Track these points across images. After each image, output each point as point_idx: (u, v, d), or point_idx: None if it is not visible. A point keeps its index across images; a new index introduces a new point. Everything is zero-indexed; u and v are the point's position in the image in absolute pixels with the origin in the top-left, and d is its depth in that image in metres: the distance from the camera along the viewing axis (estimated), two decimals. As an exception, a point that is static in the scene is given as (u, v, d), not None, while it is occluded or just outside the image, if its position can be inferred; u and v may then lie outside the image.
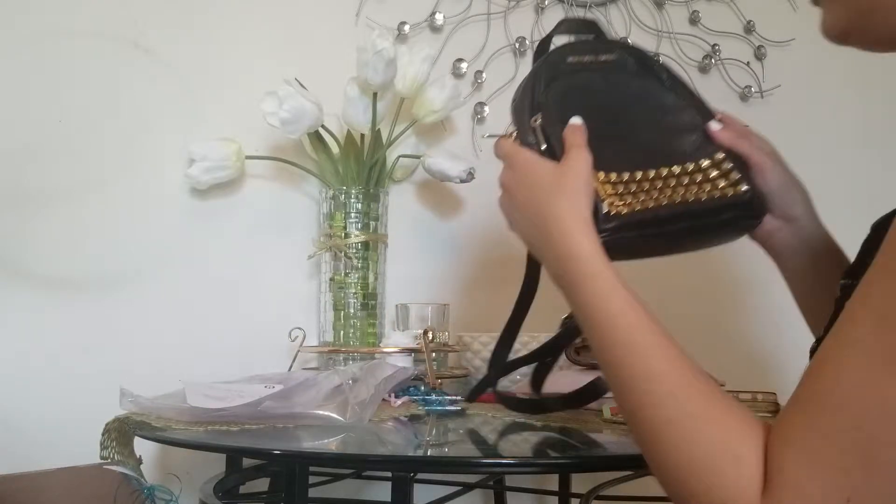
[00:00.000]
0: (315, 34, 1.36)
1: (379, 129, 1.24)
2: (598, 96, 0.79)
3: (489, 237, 1.40)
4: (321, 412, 0.87)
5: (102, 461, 0.88)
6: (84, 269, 1.26)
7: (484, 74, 1.42)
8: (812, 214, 0.82)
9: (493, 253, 1.39)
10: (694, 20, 1.50)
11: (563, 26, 0.86)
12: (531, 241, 0.72)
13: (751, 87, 1.52)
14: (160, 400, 0.89)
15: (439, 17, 1.40)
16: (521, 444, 0.85)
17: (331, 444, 0.83)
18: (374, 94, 1.22)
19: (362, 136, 1.25)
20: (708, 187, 0.73)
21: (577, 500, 1.25)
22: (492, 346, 1.15)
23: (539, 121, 0.75)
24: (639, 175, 0.73)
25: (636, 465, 0.87)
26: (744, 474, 0.51)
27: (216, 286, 1.29)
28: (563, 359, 1.11)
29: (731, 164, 0.75)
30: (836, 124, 1.57)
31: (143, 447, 0.91)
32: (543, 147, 0.74)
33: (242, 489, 1.14)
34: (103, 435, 0.88)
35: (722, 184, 0.73)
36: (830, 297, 0.67)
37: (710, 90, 1.51)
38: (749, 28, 1.53)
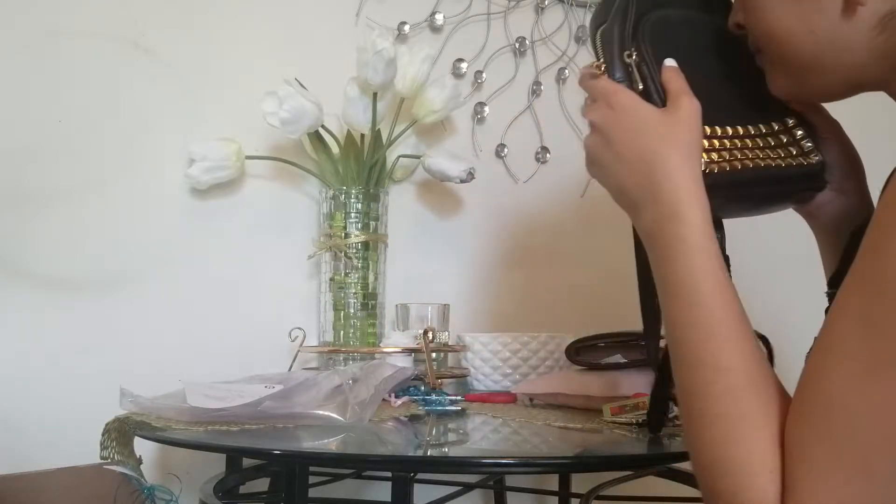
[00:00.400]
0: (315, 34, 1.36)
1: (379, 129, 1.24)
2: (688, 36, 0.72)
3: (489, 237, 1.40)
4: (321, 412, 0.87)
5: (102, 461, 0.88)
6: (84, 269, 1.26)
7: (484, 74, 1.42)
8: (863, 190, 0.79)
9: (493, 253, 1.39)
10: (694, 20, 1.50)
11: None
12: (627, 191, 0.65)
13: (751, 87, 1.52)
14: (160, 400, 0.89)
15: (439, 17, 1.40)
16: (521, 445, 0.85)
17: (331, 444, 0.83)
18: (374, 94, 1.22)
19: (362, 136, 1.25)
20: (787, 152, 0.71)
21: (577, 500, 1.24)
22: (492, 346, 1.15)
23: (634, 57, 0.68)
24: (730, 131, 0.69)
25: (636, 465, 0.87)
26: (772, 489, 0.52)
27: (216, 286, 1.29)
28: (564, 359, 1.12)
29: (804, 131, 0.73)
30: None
31: (143, 447, 0.91)
32: (640, 87, 0.67)
33: (242, 489, 1.14)
34: (103, 435, 0.88)
35: (795, 150, 0.71)
36: None
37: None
38: (749, 28, 1.52)
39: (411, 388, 1.05)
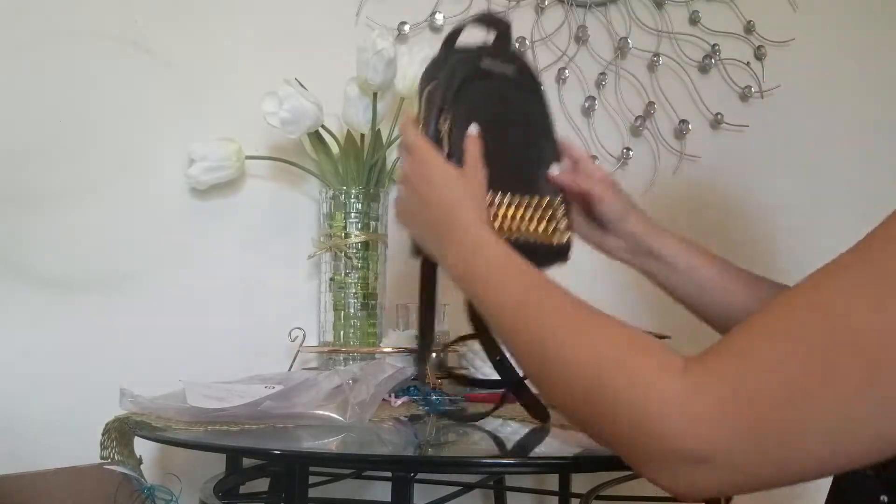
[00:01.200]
0: (315, 34, 1.36)
1: (379, 129, 1.24)
2: (495, 109, 0.81)
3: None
4: (321, 412, 0.87)
5: (103, 461, 0.88)
6: (84, 269, 1.26)
7: (484, 74, 1.41)
8: (648, 225, 0.88)
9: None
10: (694, 20, 1.50)
11: (481, 19, 0.88)
12: (430, 234, 0.74)
13: (751, 87, 1.52)
14: (160, 400, 0.89)
15: (439, 17, 1.40)
16: (521, 444, 0.85)
17: (331, 444, 0.83)
18: (375, 94, 1.22)
19: (362, 136, 1.25)
20: (543, 227, 0.80)
21: (577, 500, 1.24)
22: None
23: (447, 124, 0.77)
24: (502, 198, 0.78)
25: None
26: (656, 360, 0.50)
27: (216, 286, 1.29)
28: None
29: (563, 211, 0.82)
30: (836, 124, 1.57)
31: (143, 447, 0.91)
32: (446, 151, 0.76)
33: (242, 489, 1.14)
34: (103, 435, 0.88)
35: (551, 228, 0.81)
36: (699, 287, 0.83)
37: (710, 90, 1.52)
38: (749, 28, 1.53)
39: (411, 388, 1.05)
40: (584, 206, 0.88)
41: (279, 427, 0.85)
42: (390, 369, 0.98)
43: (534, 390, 0.70)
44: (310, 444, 0.83)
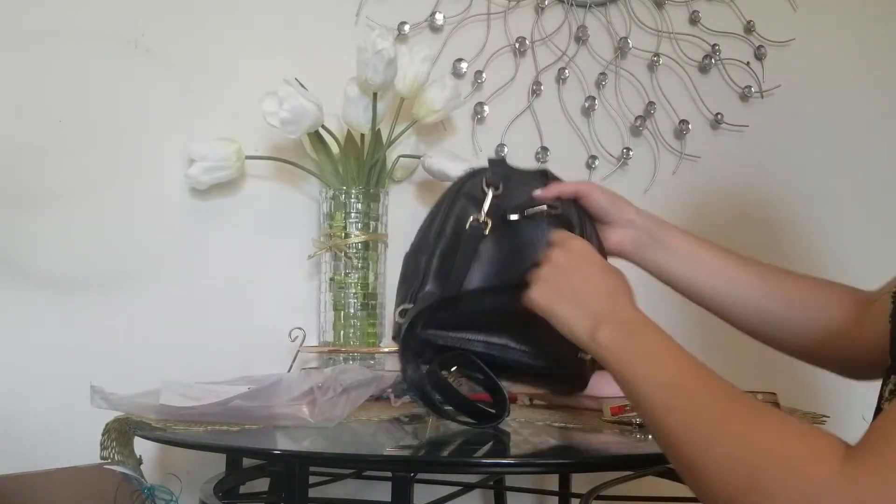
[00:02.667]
0: (315, 34, 1.36)
1: (379, 129, 1.24)
2: None
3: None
4: (289, 412, 0.87)
5: (102, 461, 0.88)
6: (84, 269, 1.26)
7: (484, 74, 1.42)
8: (644, 214, 0.90)
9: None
10: (694, 20, 1.50)
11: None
12: (580, 312, 0.72)
13: (751, 87, 1.52)
14: (136, 398, 0.88)
15: (439, 17, 1.40)
16: (521, 445, 0.85)
17: (331, 445, 0.83)
18: (374, 94, 1.22)
19: (362, 136, 1.25)
20: None
21: (577, 500, 1.24)
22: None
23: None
24: None
25: (636, 465, 0.87)
26: (815, 446, 0.49)
27: (216, 286, 1.29)
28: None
29: None
30: (836, 124, 1.57)
31: (143, 447, 0.91)
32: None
33: (242, 489, 1.14)
34: (103, 435, 0.88)
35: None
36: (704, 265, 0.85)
37: (710, 90, 1.52)
38: (749, 28, 1.53)
39: (411, 389, 1.05)
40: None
41: (280, 427, 0.85)
42: (366, 374, 0.97)
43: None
44: (310, 443, 0.83)
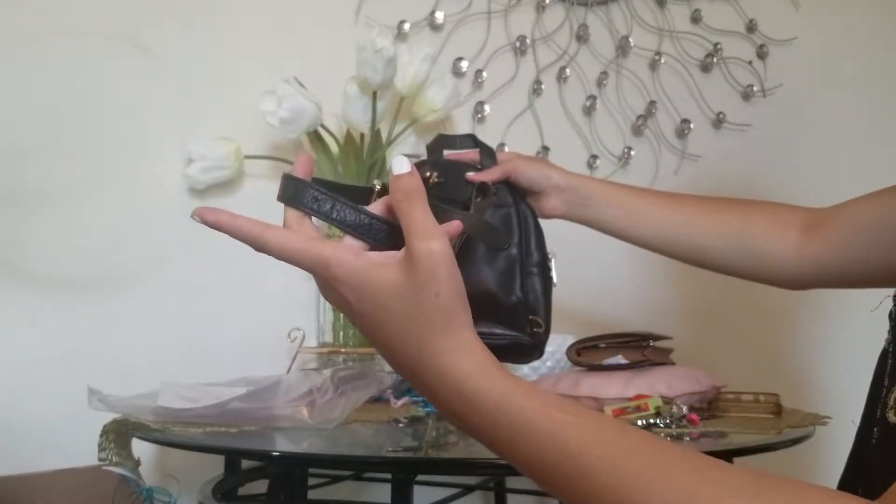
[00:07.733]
0: (315, 33, 1.35)
1: (378, 129, 1.24)
2: None
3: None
4: (287, 413, 0.86)
5: (101, 462, 0.87)
6: (83, 269, 1.26)
7: (484, 73, 1.41)
8: (571, 176, 0.91)
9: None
10: (696, 19, 1.50)
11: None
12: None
13: (753, 85, 1.52)
14: (133, 399, 0.88)
15: (439, 16, 1.39)
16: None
17: (330, 446, 0.82)
18: (374, 93, 1.21)
19: (362, 135, 1.24)
20: None
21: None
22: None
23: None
24: None
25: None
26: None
27: (215, 286, 1.29)
28: (564, 360, 1.11)
29: None
30: (838, 123, 1.56)
31: (141, 448, 0.91)
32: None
33: (241, 491, 1.14)
34: (101, 436, 0.88)
35: None
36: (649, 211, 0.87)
37: (712, 89, 1.51)
38: (751, 27, 1.52)
39: (412, 389, 1.05)
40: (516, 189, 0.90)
41: (279, 428, 0.85)
42: (366, 375, 0.97)
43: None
44: (309, 445, 0.82)
